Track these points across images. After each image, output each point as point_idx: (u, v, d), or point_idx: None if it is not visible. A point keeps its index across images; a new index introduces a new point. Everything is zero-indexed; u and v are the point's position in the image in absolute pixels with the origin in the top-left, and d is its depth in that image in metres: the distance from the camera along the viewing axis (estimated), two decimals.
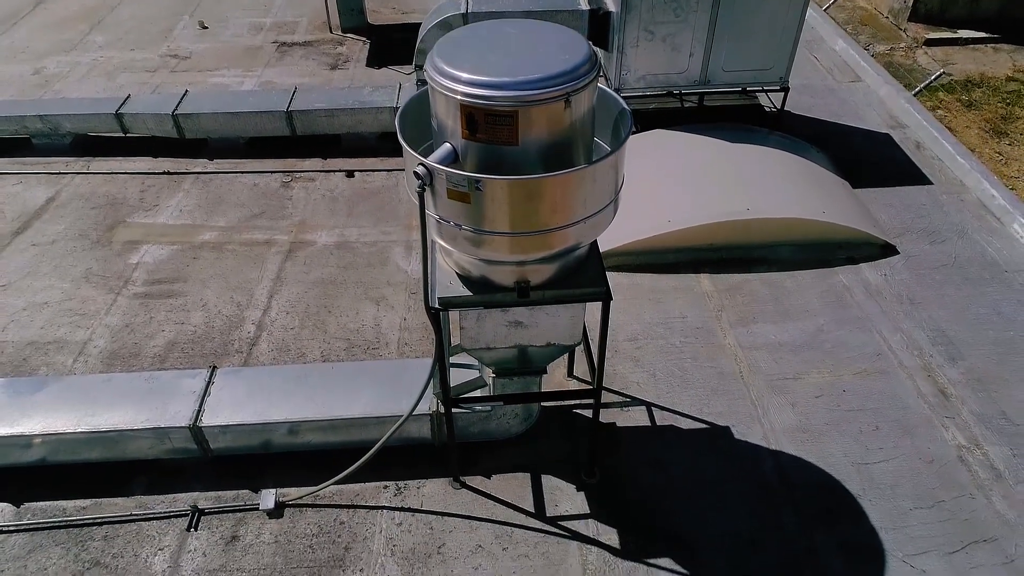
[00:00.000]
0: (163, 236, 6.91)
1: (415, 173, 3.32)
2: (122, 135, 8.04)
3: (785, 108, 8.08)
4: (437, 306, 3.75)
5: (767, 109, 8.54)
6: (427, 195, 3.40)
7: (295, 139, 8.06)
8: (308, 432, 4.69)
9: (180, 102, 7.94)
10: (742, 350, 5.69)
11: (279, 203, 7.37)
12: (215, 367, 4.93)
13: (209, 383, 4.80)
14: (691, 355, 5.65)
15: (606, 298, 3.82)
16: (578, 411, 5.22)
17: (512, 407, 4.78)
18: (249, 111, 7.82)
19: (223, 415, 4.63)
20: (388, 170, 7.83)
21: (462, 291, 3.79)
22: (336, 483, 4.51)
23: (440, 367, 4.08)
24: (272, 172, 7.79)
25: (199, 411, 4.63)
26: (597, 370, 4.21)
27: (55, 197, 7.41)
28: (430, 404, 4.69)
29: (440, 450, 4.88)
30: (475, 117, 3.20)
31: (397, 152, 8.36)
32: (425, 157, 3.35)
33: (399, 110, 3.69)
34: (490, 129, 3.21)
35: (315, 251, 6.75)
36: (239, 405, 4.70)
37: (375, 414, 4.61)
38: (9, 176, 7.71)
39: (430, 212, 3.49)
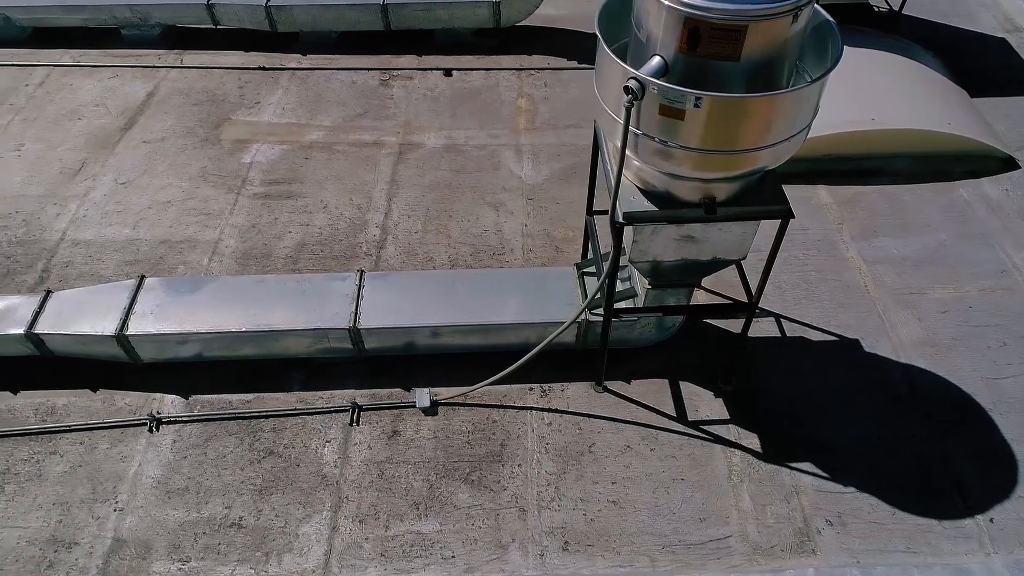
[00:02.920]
0: (271, 135, 6.88)
1: (626, 88, 3.28)
2: (212, 27, 7.84)
3: (894, 8, 7.72)
4: (621, 220, 3.79)
5: (876, 9, 8.15)
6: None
7: (388, 34, 7.82)
8: (458, 336, 4.86)
9: None
10: (865, 264, 5.74)
11: (380, 102, 7.25)
12: (363, 271, 5.05)
13: (360, 286, 4.95)
14: (815, 267, 5.71)
15: (787, 216, 3.85)
16: (707, 320, 5.36)
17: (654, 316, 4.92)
18: (343, 3, 7.54)
19: (379, 317, 4.79)
20: (486, 69, 7.64)
21: (647, 206, 3.82)
22: (489, 384, 4.73)
23: (611, 280, 4.17)
24: (368, 69, 7.62)
25: (356, 313, 4.79)
26: (759, 286, 4.29)
27: (154, 92, 7.32)
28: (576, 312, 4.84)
29: (580, 355, 5.05)
30: (699, 31, 3.12)
31: (493, 50, 8.18)
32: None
33: (599, 12, 3.59)
34: (713, 44, 3.14)
35: (425, 153, 6.71)
36: (392, 308, 4.85)
37: (528, 320, 4.76)
38: (103, 69, 7.59)
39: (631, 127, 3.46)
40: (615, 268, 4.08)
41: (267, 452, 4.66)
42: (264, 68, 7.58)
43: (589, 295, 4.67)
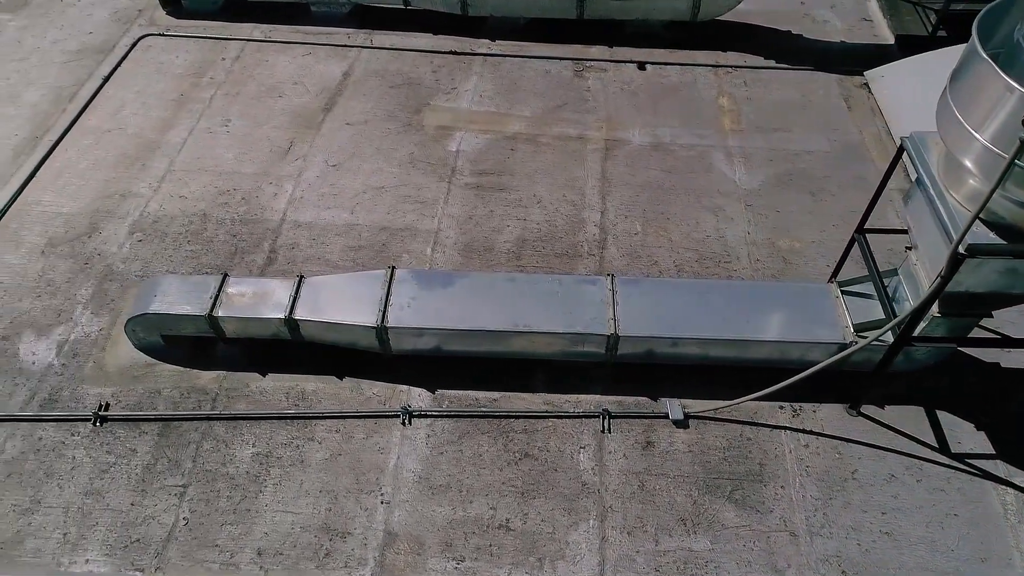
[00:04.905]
0: (472, 123, 6.80)
1: None
2: (401, 7, 7.76)
3: None
4: (965, 252, 3.61)
5: None
6: None
7: (578, 23, 7.65)
8: (715, 348, 4.74)
9: None
10: None
11: (577, 94, 7.11)
12: (613, 275, 4.95)
13: (614, 292, 4.85)
14: None
15: None
16: (960, 348, 5.15)
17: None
18: None
19: (638, 325, 4.69)
20: (681, 64, 7.43)
21: (994, 239, 3.63)
22: (749, 400, 4.63)
23: (922, 309, 3.99)
24: (560, 59, 7.47)
25: (615, 319, 4.71)
26: None
27: (350, 72, 7.29)
28: (843, 333, 4.68)
29: (828, 375, 4.88)
30: None
31: (684, 44, 7.94)
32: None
33: (977, 23, 3.38)
34: None
35: (632, 151, 6.57)
36: (649, 316, 4.75)
37: (797, 339, 4.63)
38: (296, 46, 7.58)
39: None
40: (934, 298, 3.91)
41: (523, 454, 4.63)
42: (455, 52, 7.49)
43: (881, 318, 4.49)
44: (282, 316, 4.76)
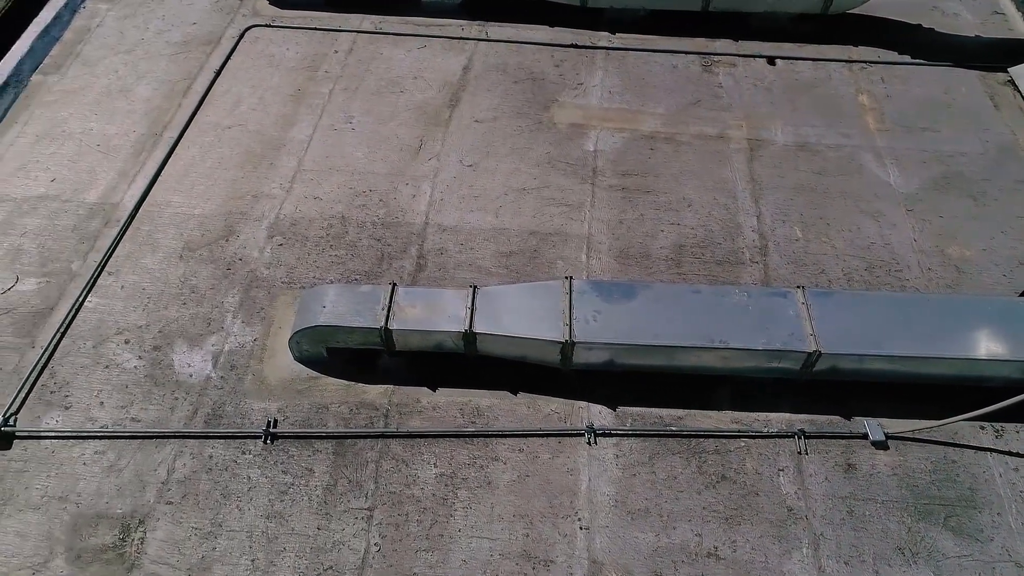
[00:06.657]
0: (606, 121, 6.52)
1: None
2: None
3: None
4: None
5: None
6: None
7: (702, 15, 7.34)
8: (921, 366, 4.50)
9: None
10: None
11: (710, 90, 6.82)
12: (802, 287, 4.71)
13: (807, 305, 4.61)
14: None
15: None
16: None
17: None
18: None
19: (839, 342, 4.45)
20: (812, 59, 7.12)
21: None
22: (957, 421, 4.40)
23: None
24: (685, 53, 7.17)
25: (815, 335, 4.47)
26: None
27: (469, 66, 7.00)
28: None
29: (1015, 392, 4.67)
30: None
31: (812, 37, 7.63)
32: None
33: None
34: None
35: (777, 151, 6.29)
36: (850, 332, 4.49)
37: (1012, 357, 4.39)
38: (408, 38, 7.28)
39: None
40: None
41: (719, 477, 4.41)
42: (576, 46, 7.18)
43: None
44: (461, 329, 4.54)
